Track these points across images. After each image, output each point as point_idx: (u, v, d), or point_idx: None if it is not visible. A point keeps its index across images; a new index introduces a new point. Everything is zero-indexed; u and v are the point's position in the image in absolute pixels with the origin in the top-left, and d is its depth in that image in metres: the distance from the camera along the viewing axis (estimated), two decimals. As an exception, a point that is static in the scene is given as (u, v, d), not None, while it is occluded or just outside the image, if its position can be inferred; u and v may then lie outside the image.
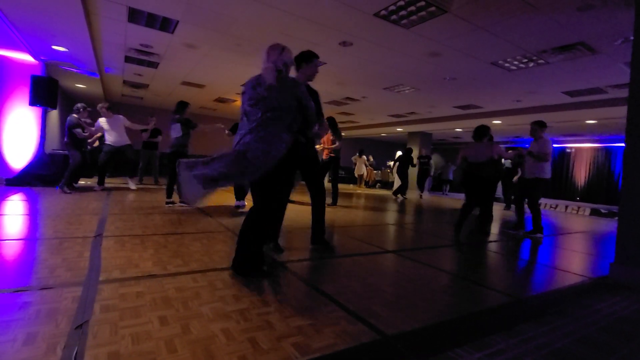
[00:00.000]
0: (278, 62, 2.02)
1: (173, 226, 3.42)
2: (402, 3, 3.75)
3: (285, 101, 2.01)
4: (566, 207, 10.03)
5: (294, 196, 5.86)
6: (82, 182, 6.82)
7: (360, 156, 13.20)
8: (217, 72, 7.15)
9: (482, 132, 4.47)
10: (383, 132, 14.91)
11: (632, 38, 2.88)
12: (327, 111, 9.78)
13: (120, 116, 6.27)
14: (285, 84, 2.03)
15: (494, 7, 3.68)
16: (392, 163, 13.27)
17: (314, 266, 2.49)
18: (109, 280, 1.87)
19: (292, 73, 2.15)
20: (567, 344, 1.51)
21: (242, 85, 2.10)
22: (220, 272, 2.10)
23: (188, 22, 4.63)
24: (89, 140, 6.78)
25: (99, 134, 6.44)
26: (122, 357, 1.17)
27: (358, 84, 7.48)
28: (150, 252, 2.46)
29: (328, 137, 5.94)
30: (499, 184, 8.45)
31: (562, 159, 14.25)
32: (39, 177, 6.03)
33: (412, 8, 3.84)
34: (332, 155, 6.17)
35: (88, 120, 6.03)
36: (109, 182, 7.22)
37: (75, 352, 1.17)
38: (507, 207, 8.74)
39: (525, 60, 5.20)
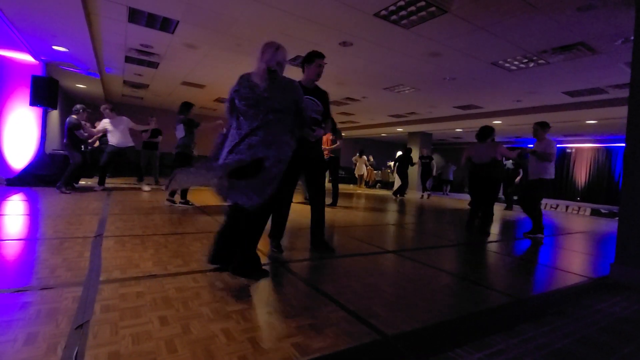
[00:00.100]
0: (271, 61, 1.99)
1: (173, 226, 3.42)
2: (402, 3, 3.75)
3: (285, 103, 2.01)
4: (567, 207, 10.02)
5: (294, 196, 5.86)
6: (82, 182, 6.82)
7: (360, 156, 13.21)
8: (217, 72, 7.15)
9: (486, 133, 4.48)
10: (383, 132, 14.92)
11: (632, 38, 2.88)
12: (328, 111, 9.75)
13: (124, 117, 6.28)
14: (282, 85, 2.01)
15: (494, 7, 3.68)
16: (392, 163, 13.29)
17: (314, 266, 2.49)
18: (109, 280, 1.87)
19: (287, 72, 2.13)
20: (567, 344, 1.51)
21: (239, 82, 2.06)
22: (221, 272, 2.10)
23: (188, 22, 4.63)
24: (89, 141, 6.79)
25: (99, 135, 6.44)
26: (122, 357, 1.17)
27: (358, 84, 7.48)
28: (151, 252, 2.46)
29: (328, 137, 5.94)
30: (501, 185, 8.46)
31: (563, 159, 14.24)
32: (40, 177, 6.04)
33: (412, 8, 3.84)
34: (331, 155, 6.18)
35: (87, 124, 6.05)
36: (110, 182, 7.22)
37: (75, 352, 1.17)
38: (508, 208, 8.74)
39: (526, 60, 5.20)
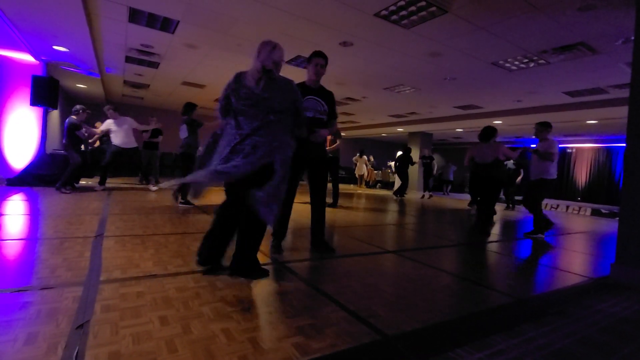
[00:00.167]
0: (267, 60, 1.96)
1: (174, 226, 3.42)
2: (402, 3, 3.75)
3: (285, 103, 2.00)
4: (567, 207, 10.02)
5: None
6: (82, 182, 6.82)
7: (360, 156, 13.21)
8: (217, 72, 7.15)
9: (489, 133, 4.50)
10: (383, 133, 14.92)
11: (632, 38, 2.88)
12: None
13: (128, 118, 6.30)
14: (280, 85, 2.00)
15: (495, 7, 3.68)
16: (392, 163, 13.30)
17: (314, 266, 2.49)
18: (110, 280, 1.87)
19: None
20: (568, 345, 1.51)
21: (235, 81, 2.02)
22: (221, 272, 2.10)
23: (188, 22, 4.63)
24: (90, 141, 6.79)
25: (99, 135, 6.45)
26: (122, 357, 1.17)
27: (358, 84, 7.48)
28: (151, 252, 2.46)
29: (328, 137, 5.93)
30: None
31: (563, 159, 14.24)
32: (40, 177, 6.04)
33: (413, 8, 3.84)
34: (330, 155, 6.17)
35: (84, 128, 6.07)
36: (110, 182, 7.22)
37: (76, 352, 1.17)
38: (508, 207, 8.74)
39: (526, 60, 5.19)
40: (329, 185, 6.53)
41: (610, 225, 6.68)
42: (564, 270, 2.93)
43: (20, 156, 6.35)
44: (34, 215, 3.60)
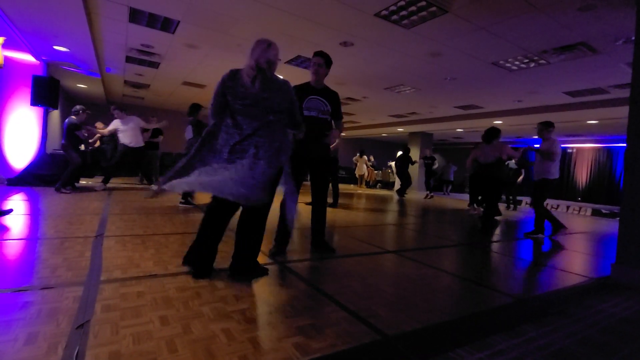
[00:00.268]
0: (261, 58, 1.92)
1: (174, 226, 3.42)
2: (402, 3, 3.75)
3: (284, 104, 1.99)
4: (567, 207, 10.01)
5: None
6: (82, 182, 6.83)
7: (361, 156, 13.20)
8: (218, 72, 7.11)
9: (492, 134, 4.53)
10: (384, 133, 14.91)
11: (633, 38, 2.88)
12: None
13: (135, 117, 6.30)
14: (278, 86, 1.98)
15: (495, 7, 3.68)
16: (393, 163, 13.30)
17: (315, 266, 2.49)
18: (110, 280, 1.87)
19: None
20: (568, 345, 1.50)
21: (230, 79, 1.96)
22: (221, 272, 2.10)
23: (189, 22, 4.63)
24: (90, 141, 6.80)
25: (99, 135, 6.46)
26: (123, 357, 1.17)
27: (359, 84, 7.47)
28: (151, 252, 2.46)
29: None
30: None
31: (564, 159, 14.23)
32: (40, 177, 6.04)
33: (413, 8, 3.84)
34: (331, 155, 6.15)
35: (85, 129, 6.08)
36: (110, 182, 7.21)
37: (76, 351, 1.17)
38: (509, 207, 8.73)
39: (526, 60, 5.19)
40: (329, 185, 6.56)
41: (610, 226, 6.67)
42: (565, 270, 2.93)
43: (21, 156, 6.36)
44: (35, 215, 3.60)
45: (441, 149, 18.60)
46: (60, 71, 7.38)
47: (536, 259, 3.36)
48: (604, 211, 9.16)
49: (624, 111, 6.18)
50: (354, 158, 13.65)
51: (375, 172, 15.17)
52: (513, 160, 7.77)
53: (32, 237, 2.69)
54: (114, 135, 6.31)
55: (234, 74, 1.96)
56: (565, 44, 4.49)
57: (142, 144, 6.32)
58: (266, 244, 2.80)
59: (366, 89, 7.81)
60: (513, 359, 1.35)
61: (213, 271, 2.05)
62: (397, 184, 11.49)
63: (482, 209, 7.01)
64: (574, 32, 4.11)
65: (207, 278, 1.98)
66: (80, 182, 6.60)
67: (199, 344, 1.28)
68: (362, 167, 13.37)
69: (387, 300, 1.90)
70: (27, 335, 1.25)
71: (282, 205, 2.20)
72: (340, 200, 6.56)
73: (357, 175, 13.75)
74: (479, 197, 7.31)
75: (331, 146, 2.88)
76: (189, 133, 4.84)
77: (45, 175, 6.08)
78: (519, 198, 9.57)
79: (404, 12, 3.95)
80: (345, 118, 12.19)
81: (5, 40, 2.94)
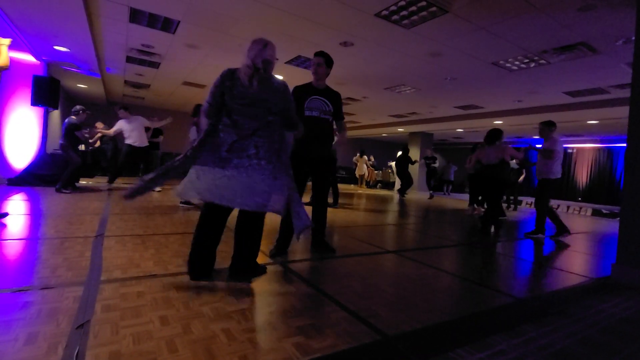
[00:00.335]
0: (257, 58, 1.91)
1: (174, 226, 3.43)
2: (403, 3, 3.75)
3: (282, 105, 1.99)
4: (568, 207, 10.01)
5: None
6: (83, 182, 6.83)
7: (361, 156, 13.21)
8: (218, 73, 7.04)
9: (495, 136, 4.54)
10: (384, 133, 14.90)
11: (633, 38, 2.88)
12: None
13: (139, 117, 6.31)
14: (275, 86, 1.97)
15: (495, 7, 3.68)
16: (393, 163, 13.31)
17: (315, 266, 2.49)
18: (110, 280, 1.87)
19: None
20: (568, 345, 1.50)
21: (227, 78, 1.94)
22: (221, 272, 2.10)
23: (189, 22, 4.63)
24: (90, 141, 6.81)
25: (99, 135, 6.46)
26: (123, 357, 1.17)
27: (359, 84, 7.47)
28: (152, 251, 2.46)
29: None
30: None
31: (564, 159, 14.19)
32: (41, 177, 6.05)
33: (413, 8, 3.83)
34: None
35: (86, 131, 6.08)
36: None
37: (76, 351, 1.17)
38: (509, 207, 8.72)
39: (527, 60, 5.19)
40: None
41: (611, 226, 6.67)
42: (565, 270, 2.92)
43: (21, 156, 6.36)
44: (35, 215, 3.61)
45: (441, 149, 18.59)
46: (61, 71, 7.38)
47: (536, 259, 3.35)
48: (604, 211, 9.16)
49: (624, 111, 6.17)
50: (354, 158, 13.65)
51: (376, 172, 15.17)
52: (514, 161, 7.78)
53: (33, 237, 2.69)
54: (114, 135, 6.31)
55: (232, 73, 1.95)
56: (565, 44, 4.49)
57: (146, 143, 6.35)
58: (266, 244, 2.80)
59: (366, 89, 7.81)
60: (513, 359, 1.35)
61: (213, 271, 2.05)
62: (398, 184, 11.49)
63: (482, 209, 7.03)
64: (574, 32, 4.11)
65: (207, 279, 1.98)
66: (81, 182, 6.60)
67: (199, 344, 1.28)
68: (363, 167, 13.37)
69: (387, 300, 1.90)
70: (27, 335, 1.25)
71: (288, 212, 1.95)
72: (340, 200, 6.56)
73: (357, 175, 13.75)
74: (479, 198, 7.32)
75: (340, 146, 2.87)
76: (193, 134, 4.83)
77: (46, 175, 6.08)
78: (519, 198, 9.57)
79: (404, 12, 3.95)
80: (346, 118, 12.17)
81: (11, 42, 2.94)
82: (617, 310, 2.00)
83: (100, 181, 6.88)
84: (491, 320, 1.75)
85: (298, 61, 5.94)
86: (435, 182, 12.09)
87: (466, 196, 12.20)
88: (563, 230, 4.42)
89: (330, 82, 2.85)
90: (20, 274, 1.88)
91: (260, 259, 2.43)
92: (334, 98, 2.74)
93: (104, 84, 8.92)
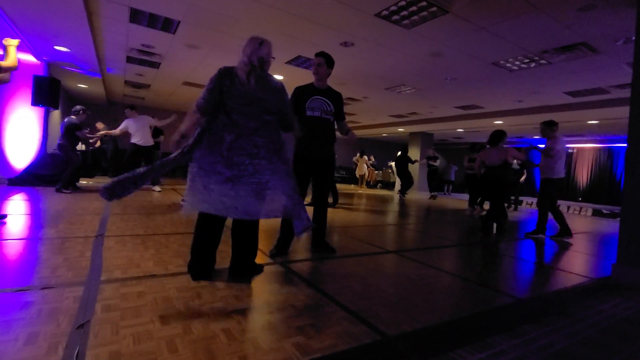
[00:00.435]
0: (253, 56, 1.90)
1: (174, 226, 3.43)
2: (403, 3, 3.75)
3: (279, 105, 1.98)
4: (568, 207, 10.00)
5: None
6: (83, 182, 6.83)
7: (361, 156, 13.20)
8: (218, 73, 7.14)
9: (498, 137, 4.55)
10: (384, 133, 14.91)
11: (633, 38, 2.88)
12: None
13: (146, 116, 6.33)
14: (272, 87, 1.96)
15: (495, 7, 3.68)
16: (393, 163, 13.31)
17: (315, 266, 2.49)
18: (110, 280, 1.87)
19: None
20: (569, 345, 1.50)
21: (225, 76, 1.91)
22: (221, 272, 2.10)
23: (189, 22, 4.64)
24: (91, 141, 6.80)
25: (100, 135, 6.47)
26: (123, 357, 1.17)
27: (359, 84, 7.47)
28: (152, 252, 2.46)
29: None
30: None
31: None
32: (41, 177, 6.05)
33: (414, 8, 3.83)
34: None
35: (88, 132, 6.09)
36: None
37: (76, 351, 1.17)
38: (509, 207, 8.72)
39: (527, 60, 5.19)
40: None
41: (611, 226, 6.67)
42: (565, 270, 2.92)
43: (22, 156, 6.36)
44: (35, 215, 3.61)
45: (441, 149, 18.58)
46: (61, 71, 7.39)
47: (537, 259, 3.35)
48: (604, 211, 9.15)
49: (624, 111, 6.17)
50: (355, 158, 13.65)
51: (376, 172, 15.17)
52: (515, 161, 7.79)
53: (33, 237, 2.69)
54: (113, 135, 6.32)
55: (229, 72, 1.92)
56: (565, 44, 4.49)
57: (152, 142, 6.38)
58: (267, 244, 2.80)
59: (366, 89, 7.81)
60: (513, 359, 1.35)
61: (213, 271, 2.05)
62: (398, 184, 11.49)
63: (480, 209, 7.03)
64: (574, 32, 4.11)
65: (207, 279, 1.98)
66: (81, 182, 6.60)
67: (199, 344, 1.28)
68: (363, 167, 13.37)
69: (388, 300, 1.90)
70: (27, 335, 1.25)
71: (288, 213, 1.91)
72: (340, 200, 6.56)
73: (357, 175, 13.75)
74: (479, 198, 7.32)
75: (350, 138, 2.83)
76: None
77: (46, 175, 6.08)
78: (519, 198, 9.56)
79: (404, 12, 3.95)
80: (346, 118, 12.17)
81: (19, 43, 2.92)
82: (618, 310, 2.00)
83: (101, 181, 6.88)
84: (491, 321, 1.75)
85: (298, 61, 5.94)
86: (436, 182, 12.09)
87: (466, 196, 12.20)
88: (565, 232, 4.41)
89: (331, 82, 2.85)
90: (20, 274, 1.88)
91: (261, 259, 2.43)
92: (336, 98, 2.74)
93: (104, 84, 8.93)
